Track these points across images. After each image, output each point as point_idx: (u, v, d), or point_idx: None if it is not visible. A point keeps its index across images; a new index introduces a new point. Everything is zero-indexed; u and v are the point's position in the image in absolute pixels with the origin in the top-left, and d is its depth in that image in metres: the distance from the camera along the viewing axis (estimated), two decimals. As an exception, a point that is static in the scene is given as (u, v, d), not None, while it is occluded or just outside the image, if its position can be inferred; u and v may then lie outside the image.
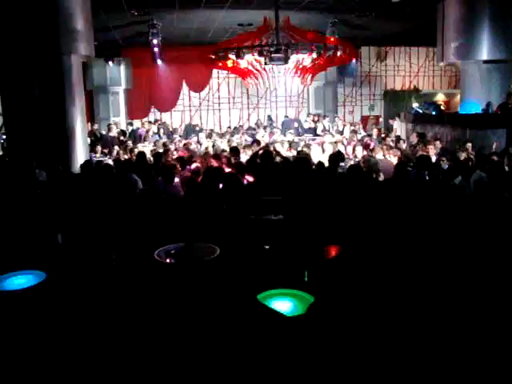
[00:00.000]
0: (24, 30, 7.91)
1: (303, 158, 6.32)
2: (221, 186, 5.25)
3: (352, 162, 7.59)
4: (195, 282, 2.93)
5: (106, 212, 4.53)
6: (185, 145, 8.87)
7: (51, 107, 8.41)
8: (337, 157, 6.52)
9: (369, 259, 3.22)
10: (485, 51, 10.33)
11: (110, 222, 4.15)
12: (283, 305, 2.60)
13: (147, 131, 13.26)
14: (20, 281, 3.27)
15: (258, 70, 9.51)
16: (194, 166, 6.97)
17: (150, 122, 14.86)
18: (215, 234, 3.68)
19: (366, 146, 9.25)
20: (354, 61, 16.11)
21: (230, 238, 3.80)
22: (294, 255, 3.89)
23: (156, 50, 13.06)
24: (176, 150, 8.85)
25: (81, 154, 8.75)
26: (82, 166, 7.04)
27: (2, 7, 7.85)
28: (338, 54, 9.26)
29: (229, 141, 10.53)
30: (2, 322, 2.57)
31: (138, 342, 2.39)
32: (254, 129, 14.27)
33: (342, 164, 6.58)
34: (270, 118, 16.83)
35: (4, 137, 11.63)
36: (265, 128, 14.14)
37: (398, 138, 10.99)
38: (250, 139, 11.13)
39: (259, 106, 17.63)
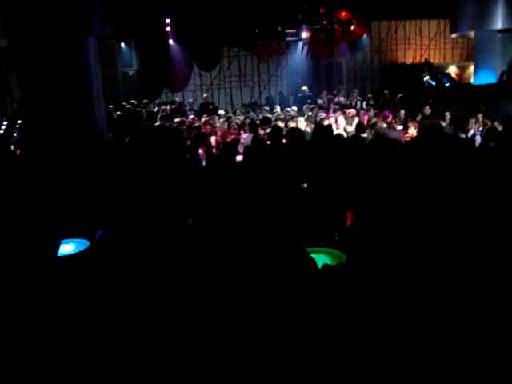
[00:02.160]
0: (41, 13, 8.00)
1: (324, 127, 6.41)
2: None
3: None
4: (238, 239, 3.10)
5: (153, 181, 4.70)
6: (206, 122, 8.97)
7: (70, 88, 8.53)
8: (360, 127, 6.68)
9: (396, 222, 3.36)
10: (499, 20, 10.29)
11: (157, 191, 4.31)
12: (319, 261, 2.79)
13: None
14: (65, 248, 3.48)
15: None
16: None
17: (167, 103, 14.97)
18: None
19: (384, 118, 9.25)
20: (364, 35, 16.10)
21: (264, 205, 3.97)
22: (325, 218, 4.04)
23: (168, 29, 13.11)
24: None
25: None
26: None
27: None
28: (352, 27, 9.26)
29: (247, 118, 10.57)
30: (47, 286, 2.74)
31: (183, 306, 2.55)
32: (271, 104, 14.30)
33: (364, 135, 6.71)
34: (281, 94, 16.84)
35: (19, 121, 11.84)
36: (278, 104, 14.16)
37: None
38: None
39: (270, 83, 17.66)
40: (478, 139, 7.32)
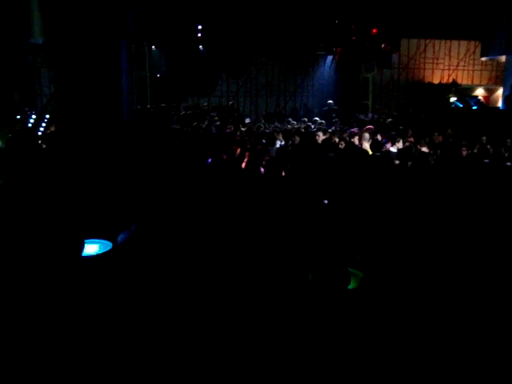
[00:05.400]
0: (80, 14, 8.16)
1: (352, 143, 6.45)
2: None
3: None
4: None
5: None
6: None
7: (101, 87, 8.66)
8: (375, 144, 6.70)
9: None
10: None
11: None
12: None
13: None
14: (89, 248, 3.54)
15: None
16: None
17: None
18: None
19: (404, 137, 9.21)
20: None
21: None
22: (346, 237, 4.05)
23: (199, 35, 13.25)
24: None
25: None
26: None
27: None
28: (382, 45, 9.28)
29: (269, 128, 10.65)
30: (70, 284, 2.80)
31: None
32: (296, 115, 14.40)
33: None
34: (306, 106, 16.92)
35: (47, 116, 12.07)
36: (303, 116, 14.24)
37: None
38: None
39: (296, 94, 17.73)
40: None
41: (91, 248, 3.52)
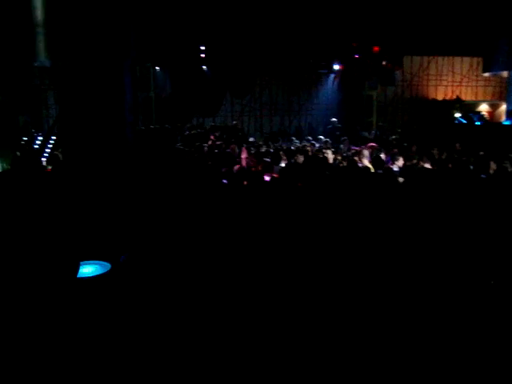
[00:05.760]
0: (84, 38, 8.31)
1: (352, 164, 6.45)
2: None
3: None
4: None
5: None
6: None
7: (105, 108, 8.76)
8: (377, 161, 6.69)
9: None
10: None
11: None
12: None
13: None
14: (87, 269, 3.55)
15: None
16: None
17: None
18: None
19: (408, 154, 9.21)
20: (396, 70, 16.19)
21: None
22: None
23: (202, 55, 13.41)
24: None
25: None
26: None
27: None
28: (384, 63, 9.34)
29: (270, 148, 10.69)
30: (66, 305, 2.80)
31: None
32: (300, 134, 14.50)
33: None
34: (310, 125, 17.00)
35: (54, 137, 12.19)
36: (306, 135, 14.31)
37: None
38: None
39: (301, 113, 17.82)
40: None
41: (89, 269, 3.52)
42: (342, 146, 10.99)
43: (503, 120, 11.75)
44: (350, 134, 14.25)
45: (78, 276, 3.25)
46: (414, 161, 7.97)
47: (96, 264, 3.57)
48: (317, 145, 11.27)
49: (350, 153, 9.26)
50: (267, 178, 6.34)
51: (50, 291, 2.75)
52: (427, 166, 7.56)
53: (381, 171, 6.91)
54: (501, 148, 9.71)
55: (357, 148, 9.10)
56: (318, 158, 7.66)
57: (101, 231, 4.23)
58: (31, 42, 8.47)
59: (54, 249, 3.40)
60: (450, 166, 7.46)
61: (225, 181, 6.66)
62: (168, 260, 3.58)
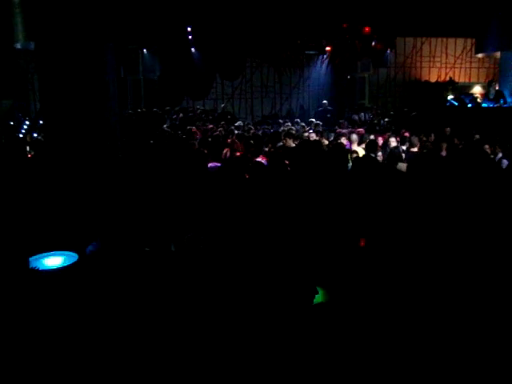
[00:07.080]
0: (63, 18, 8.06)
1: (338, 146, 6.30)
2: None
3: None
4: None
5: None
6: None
7: (86, 92, 8.54)
8: (371, 146, 6.52)
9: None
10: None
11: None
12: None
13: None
14: (53, 261, 3.42)
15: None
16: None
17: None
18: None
19: (402, 137, 9.03)
20: (388, 51, 15.97)
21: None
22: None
23: (190, 37, 13.15)
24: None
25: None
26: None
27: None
28: (373, 43, 9.15)
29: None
30: (33, 298, 2.68)
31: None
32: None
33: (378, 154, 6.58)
34: (302, 107, 16.80)
35: (41, 121, 11.97)
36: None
37: None
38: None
39: (292, 95, 17.60)
40: (505, 162, 7.14)
41: (56, 260, 3.39)
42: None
43: (482, 102, 11.46)
44: (340, 117, 14.11)
45: (42, 268, 3.13)
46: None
47: (62, 255, 3.43)
48: (306, 128, 11.12)
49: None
50: (263, 161, 6.20)
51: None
52: (414, 150, 7.43)
53: (373, 155, 6.74)
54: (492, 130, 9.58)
55: (343, 131, 8.93)
56: (310, 142, 7.49)
57: (69, 220, 4.09)
58: (9, 23, 8.22)
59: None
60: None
61: (212, 164, 6.52)
62: (140, 249, 3.45)
